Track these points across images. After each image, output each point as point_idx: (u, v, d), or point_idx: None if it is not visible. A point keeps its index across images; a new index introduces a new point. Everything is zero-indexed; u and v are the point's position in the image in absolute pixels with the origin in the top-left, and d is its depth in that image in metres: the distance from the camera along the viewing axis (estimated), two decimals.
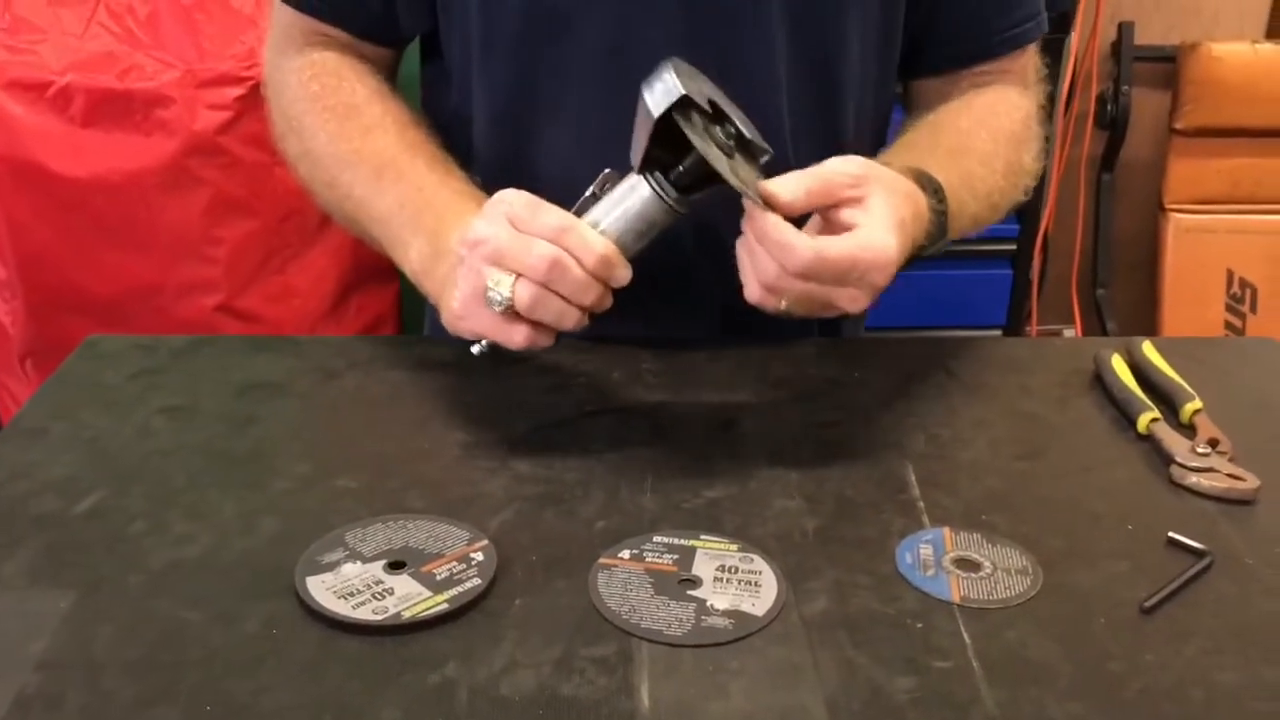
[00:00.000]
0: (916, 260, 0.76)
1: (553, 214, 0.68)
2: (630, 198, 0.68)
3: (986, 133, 0.87)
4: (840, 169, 0.69)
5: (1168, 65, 2.21)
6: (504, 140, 0.87)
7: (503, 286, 0.67)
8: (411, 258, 0.77)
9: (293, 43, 0.88)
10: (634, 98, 0.67)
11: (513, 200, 0.69)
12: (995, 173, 0.85)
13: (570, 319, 0.68)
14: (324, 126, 0.85)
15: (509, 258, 0.67)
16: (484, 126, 0.87)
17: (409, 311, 1.92)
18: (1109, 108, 2.22)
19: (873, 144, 0.92)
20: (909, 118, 0.93)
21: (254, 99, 1.63)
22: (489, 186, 0.87)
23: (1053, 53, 1.98)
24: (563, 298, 0.67)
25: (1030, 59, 0.93)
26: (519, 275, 0.67)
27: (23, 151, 1.59)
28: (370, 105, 0.85)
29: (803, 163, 0.78)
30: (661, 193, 0.67)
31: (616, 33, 0.80)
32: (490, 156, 0.88)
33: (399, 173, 0.80)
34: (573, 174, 0.71)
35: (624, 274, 0.68)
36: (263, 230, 1.70)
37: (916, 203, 0.74)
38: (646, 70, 0.67)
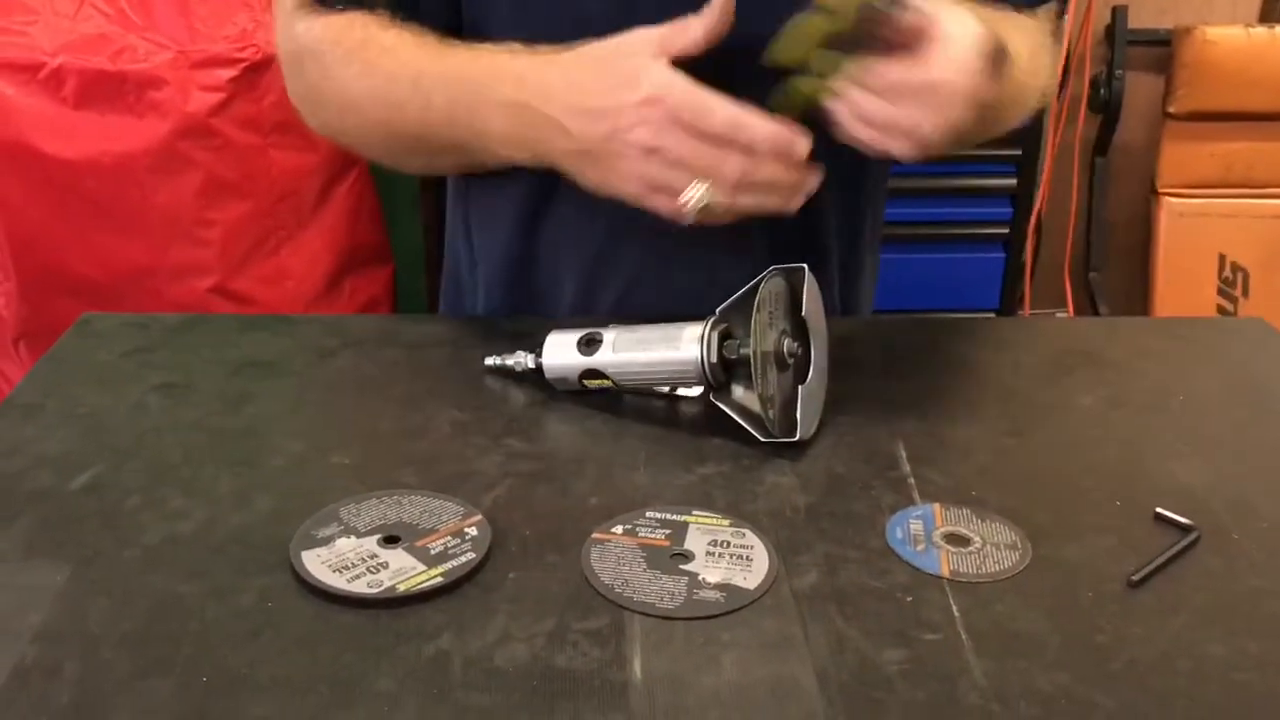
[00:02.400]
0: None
1: (719, 109, 0.68)
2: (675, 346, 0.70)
3: (1019, 34, 0.82)
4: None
5: (1161, 49, 2.21)
6: None
7: (698, 194, 0.69)
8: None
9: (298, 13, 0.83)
10: None
11: (671, 97, 0.68)
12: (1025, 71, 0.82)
13: (772, 202, 0.71)
14: (368, 60, 0.80)
15: (695, 168, 0.68)
16: None
17: (402, 293, 1.93)
18: (1102, 91, 2.22)
19: None
20: None
21: (247, 81, 1.63)
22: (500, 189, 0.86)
23: None
24: (759, 188, 0.69)
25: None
26: (711, 181, 0.68)
27: (15, 133, 1.59)
28: (407, 33, 0.80)
29: (819, 150, 0.78)
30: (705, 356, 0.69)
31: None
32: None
33: (467, 50, 0.78)
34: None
35: (804, 146, 0.69)
36: (256, 212, 1.70)
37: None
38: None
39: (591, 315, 0.86)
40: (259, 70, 1.63)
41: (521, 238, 0.87)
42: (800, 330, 0.71)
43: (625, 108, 0.69)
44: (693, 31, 0.71)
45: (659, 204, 0.71)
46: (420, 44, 0.79)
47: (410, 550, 0.59)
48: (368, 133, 0.84)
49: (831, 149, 0.73)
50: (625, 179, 0.71)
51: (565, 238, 0.86)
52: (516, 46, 0.76)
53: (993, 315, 2.15)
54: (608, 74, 0.71)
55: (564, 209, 0.85)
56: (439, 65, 0.77)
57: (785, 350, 0.69)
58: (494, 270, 0.90)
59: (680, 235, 0.74)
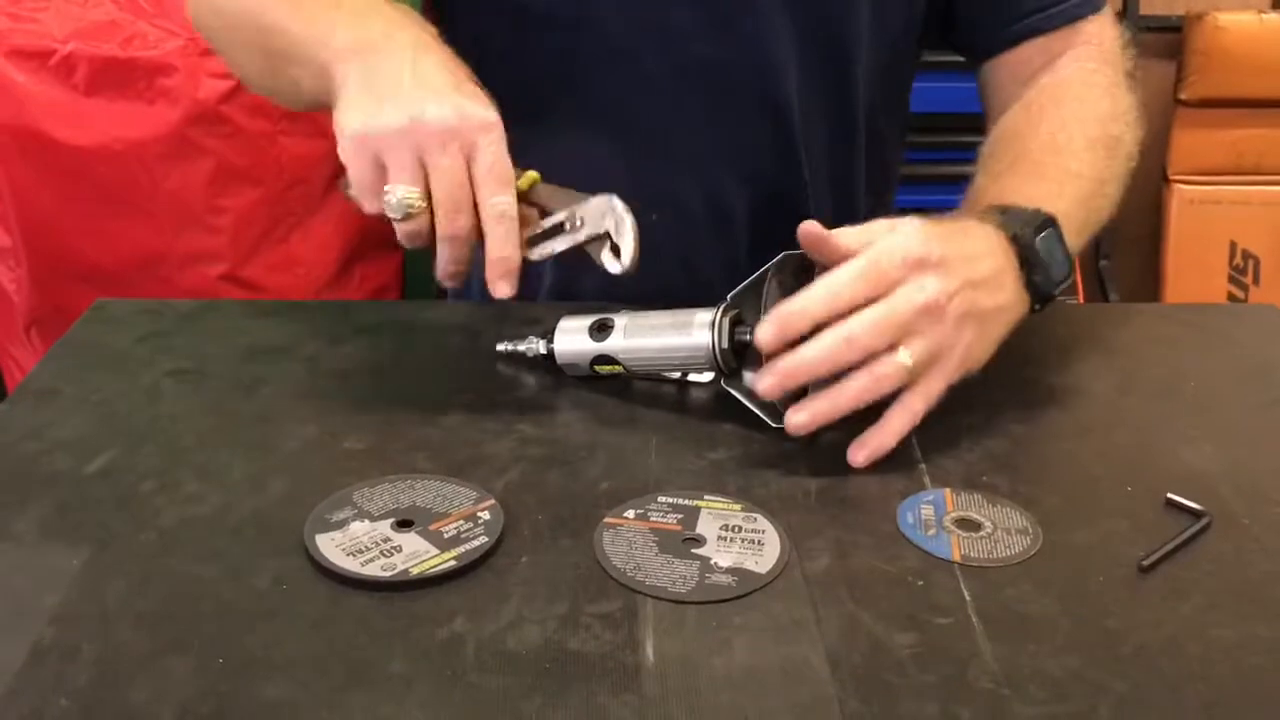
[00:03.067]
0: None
1: (503, 173, 0.65)
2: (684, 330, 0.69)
3: (1073, 125, 0.81)
4: (891, 254, 0.63)
5: (1173, 35, 2.20)
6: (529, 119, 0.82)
7: (412, 198, 0.65)
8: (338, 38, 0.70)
9: None
10: (650, 87, 0.68)
11: (487, 126, 0.65)
12: (1088, 160, 0.81)
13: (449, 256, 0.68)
14: None
15: (432, 184, 0.65)
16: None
17: (412, 280, 1.93)
18: None
19: (888, 123, 0.91)
20: (990, 123, 0.88)
21: None
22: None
23: None
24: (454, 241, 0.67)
25: (1101, 27, 0.87)
26: (428, 200, 0.65)
27: (26, 120, 1.59)
28: None
29: (812, 148, 0.76)
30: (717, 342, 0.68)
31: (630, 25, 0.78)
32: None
33: None
34: (595, 163, 0.71)
35: (514, 261, 0.67)
36: (266, 199, 1.70)
37: (995, 256, 0.68)
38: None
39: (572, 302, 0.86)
40: None
41: None
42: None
43: (453, 100, 0.65)
44: None
45: (359, 169, 0.67)
46: None
47: (423, 534, 0.60)
48: (227, 27, 0.81)
49: (821, 144, 0.73)
50: (365, 121, 0.66)
51: None
52: None
53: None
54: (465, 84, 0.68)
55: None
56: None
57: None
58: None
59: (662, 227, 0.73)
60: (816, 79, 0.84)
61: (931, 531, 0.61)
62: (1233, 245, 2.24)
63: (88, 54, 1.58)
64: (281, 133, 1.67)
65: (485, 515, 0.61)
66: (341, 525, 0.60)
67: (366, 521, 0.60)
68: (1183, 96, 2.18)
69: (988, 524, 0.62)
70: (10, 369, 1.79)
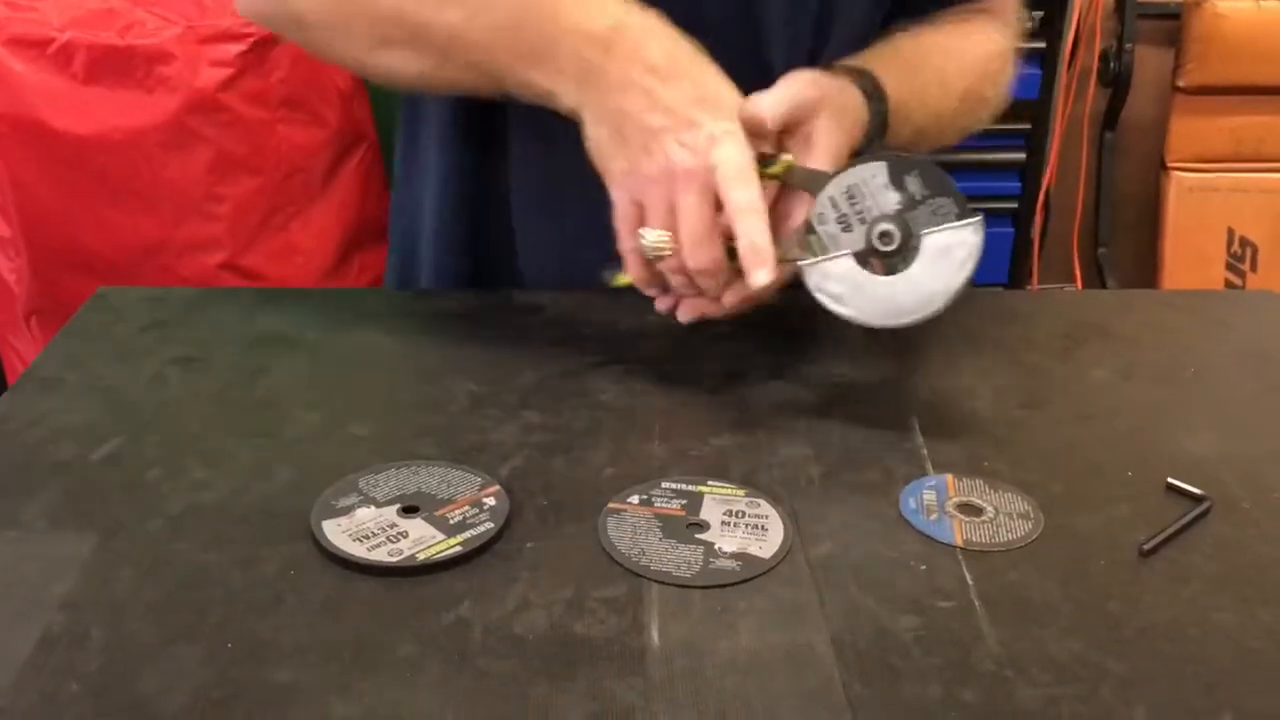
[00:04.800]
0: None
1: (752, 201, 0.65)
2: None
3: (951, 56, 0.87)
4: (804, 95, 0.70)
5: (1171, 22, 2.20)
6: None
7: (660, 242, 0.67)
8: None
9: None
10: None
11: (727, 155, 0.65)
12: (951, 94, 0.86)
13: (700, 293, 0.70)
14: None
15: (679, 227, 0.66)
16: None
17: None
18: (1112, 65, 2.21)
19: None
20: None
21: (255, 56, 1.63)
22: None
23: (1056, 9, 1.98)
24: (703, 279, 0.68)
25: (1010, 2, 0.93)
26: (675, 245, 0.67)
27: (25, 109, 1.59)
28: None
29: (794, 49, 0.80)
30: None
31: None
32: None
33: None
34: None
35: (765, 279, 0.65)
36: (265, 188, 1.70)
37: (848, 111, 0.74)
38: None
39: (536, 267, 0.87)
40: (267, 45, 1.63)
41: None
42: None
43: (699, 131, 0.66)
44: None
45: (624, 215, 0.69)
46: None
47: (429, 520, 0.60)
48: (362, 19, 0.75)
49: None
50: (627, 172, 0.68)
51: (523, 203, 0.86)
52: None
53: (1001, 289, 2.15)
54: (707, 90, 0.68)
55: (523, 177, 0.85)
56: None
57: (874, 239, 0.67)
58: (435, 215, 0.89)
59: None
60: (802, 49, 0.85)
61: (934, 516, 0.62)
62: (1230, 232, 2.24)
63: (86, 42, 1.58)
64: (280, 121, 1.67)
65: (490, 501, 0.61)
66: (348, 511, 0.60)
67: (373, 507, 0.61)
68: (1181, 84, 2.18)
69: (990, 509, 0.62)
70: (11, 359, 1.79)
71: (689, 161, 0.66)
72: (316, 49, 0.81)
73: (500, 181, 0.86)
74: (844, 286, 0.68)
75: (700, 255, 0.67)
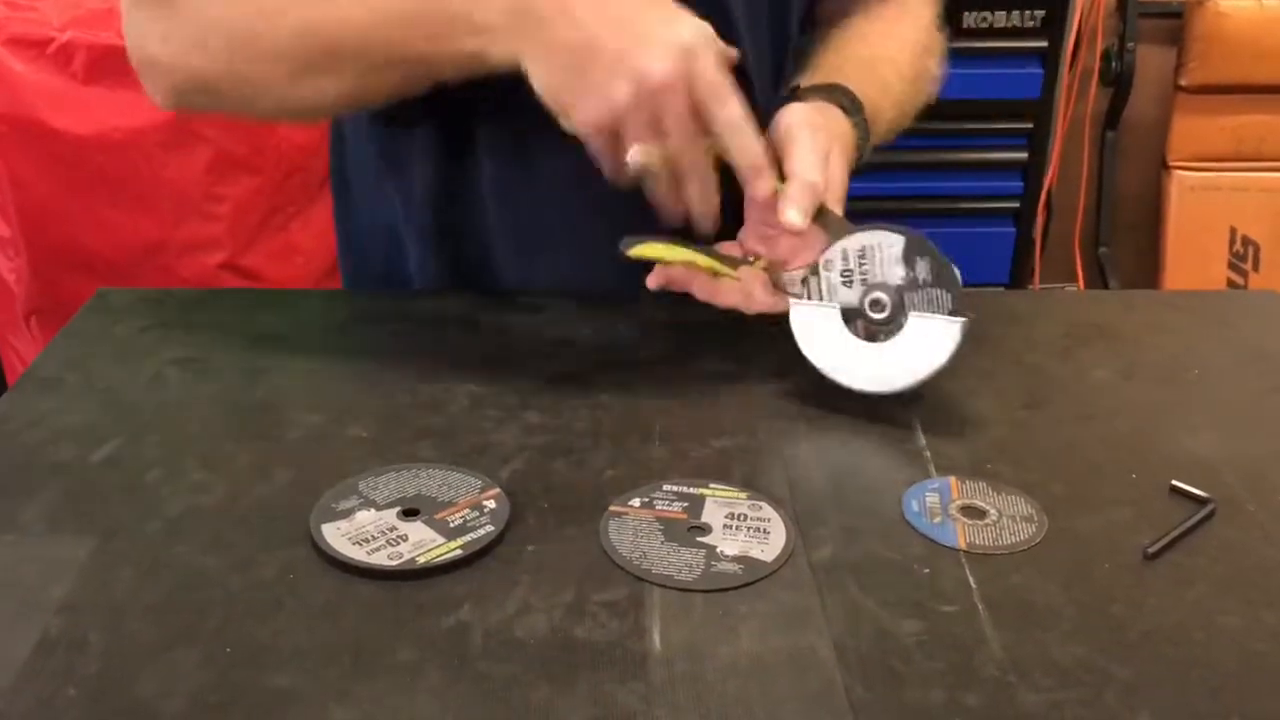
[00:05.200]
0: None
1: (733, 105, 0.65)
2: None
3: (895, 41, 0.88)
4: (819, 142, 0.72)
5: (1173, 21, 2.20)
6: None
7: (650, 157, 0.66)
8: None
9: None
10: None
11: (703, 64, 0.64)
12: (905, 79, 0.87)
13: (696, 195, 0.68)
14: None
15: (668, 138, 0.65)
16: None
17: None
18: (1114, 64, 2.21)
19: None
20: (814, 34, 0.92)
21: None
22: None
23: (1058, 9, 1.98)
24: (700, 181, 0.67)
25: None
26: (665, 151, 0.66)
27: (24, 109, 1.59)
28: None
29: (758, 47, 0.81)
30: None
31: None
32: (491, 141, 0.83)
33: None
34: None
35: (767, 189, 0.67)
36: (265, 188, 1.70)
37: (845, 138, 0.76)
38: None
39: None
40: None
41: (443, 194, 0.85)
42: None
43: (657, 38, 0.64)
44: (788, 221, 0.69)
45: (600, 144, 0.66)
46: None
47: (429, 523, 0.60)
48: (274, 56, 0.71)
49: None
50: (602, 101, 0.64)
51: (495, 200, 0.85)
52: None
53: (1003, 290, 2.14)
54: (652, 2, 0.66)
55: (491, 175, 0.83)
56: None
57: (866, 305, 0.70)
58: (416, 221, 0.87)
59: (598, 198, 0.72)
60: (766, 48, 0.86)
61: (937, 519, 0.61)
62: (1233, 231, 2.24)
63: (86, 42, 1.58)
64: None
65: (491, 504, 0.61)
66: (347, 514, 0.60)
67: (372, 510, 0.60)
68: (1183, 83, 2.18)
69: (993, 511, 0.62)
70: (10, 359, 1.79)
71: (665, 76, 0.63)
72: (235, 107, 0.79)
73: (475, 190, 0.85)
74: (820, 333, 0.71)
75: (691, 155, 0.66)
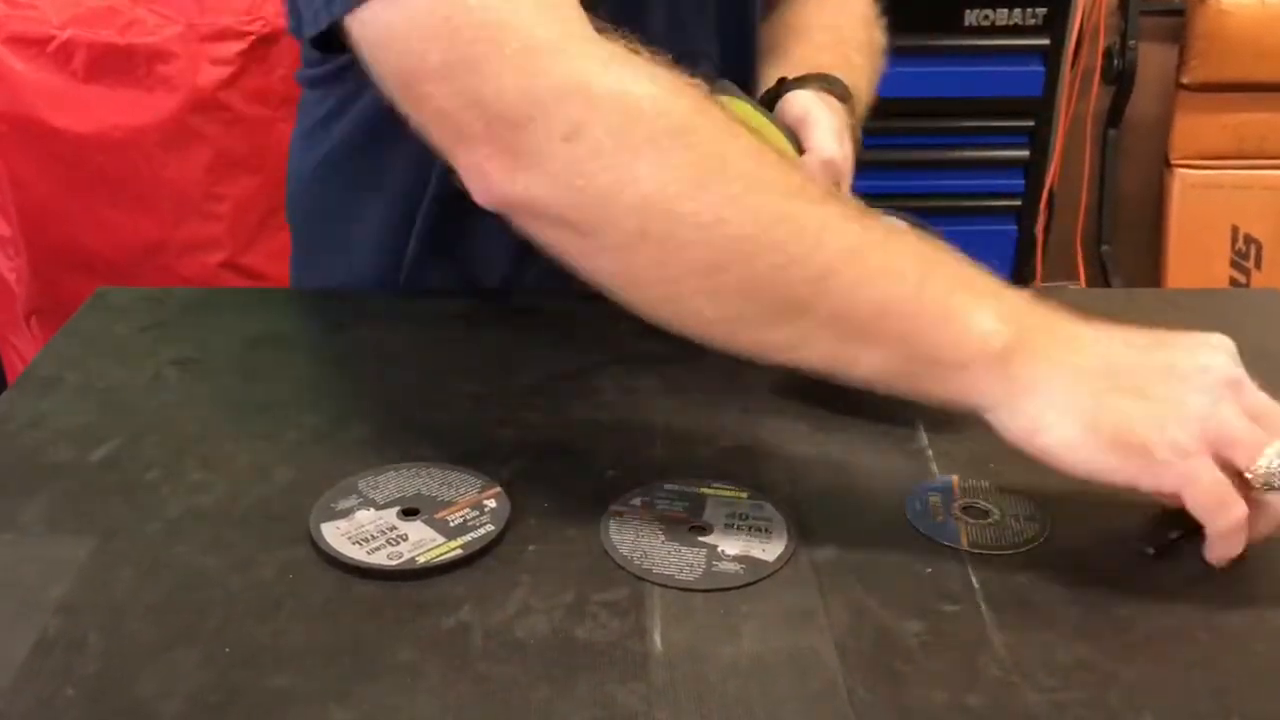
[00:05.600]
0: None
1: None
2: None
3: (848, 19, 0.90)
4: (836, 123, 0.74)
5: (1175, 19, 2.19)
6: None
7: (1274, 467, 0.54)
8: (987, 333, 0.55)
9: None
10: None
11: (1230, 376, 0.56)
12: (866, 56, 0.89)
13: None
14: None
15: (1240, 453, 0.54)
16: None
17: None
18: (1115, 62, 2.20)
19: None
20: (768, 19, 0.92)
21: (256, 54, 1.62)
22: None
23: (1060, 7, 1.97)
24: None
25: None
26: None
27: (24, 107, 1.59)
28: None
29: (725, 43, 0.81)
30: None
31: None
32: None
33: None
34: None
35: None
36: (265, 186, 1.69)
37: (846, 122, 0.78)
38: None
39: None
40: (268, 43, 1.63)
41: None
42: None
43: (1191, 369, 0.56)
44: None
45: (1200, 466, 0.54)
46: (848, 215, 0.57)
47: (429, 522, 0.59)
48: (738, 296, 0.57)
49: None
50: (1185, 412, 0.54)
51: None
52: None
53: None
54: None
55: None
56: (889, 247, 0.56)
57: None
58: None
59: None
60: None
61: (939, 519, 0.61)
62: (1235, 230, 2.23)
63: (86, 40, 1.58)
64: (281, 119, 1.66)
65: (491, 504, 0.61)
66: (347, 514, 0.60)
67: (372, 510, 0.60)
68: (1185, 80, 2.17)
69: (996, 511, 0.62)
70: (11, 358, 1.78)
71: (1215, 391, 0.55)
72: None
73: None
74: None
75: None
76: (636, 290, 0.58)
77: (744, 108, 0.72)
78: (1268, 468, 0.55)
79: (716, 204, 0.54)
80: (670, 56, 0.58)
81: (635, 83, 0.55)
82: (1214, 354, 0.57)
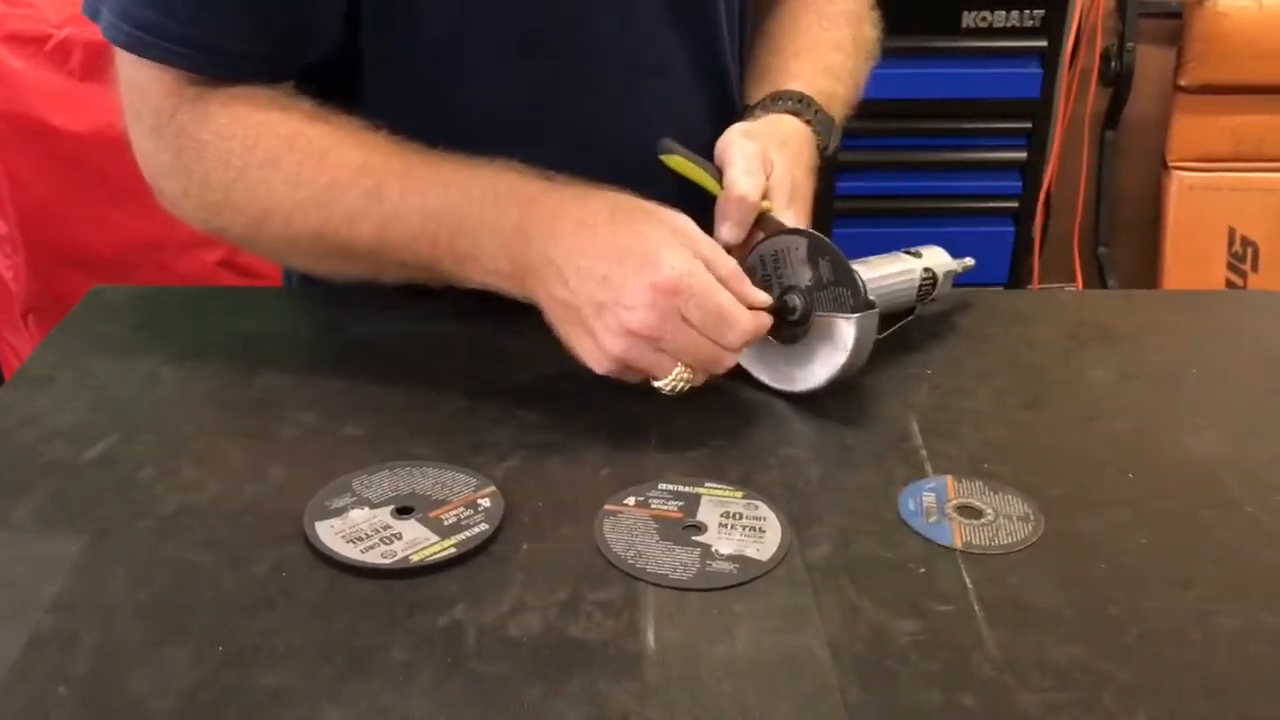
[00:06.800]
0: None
1: (727, 304, 0.65)
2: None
3: (830, 21, 0.90)
4: (755, 152, 0.74)
5: (1173, 21, 2.20)
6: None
7: (679, 382, 0.66)
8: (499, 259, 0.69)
9: (182, 98, 0.75)
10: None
11: (688, 292, 0.64)
12: (848, 54, 0.89)
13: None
14: (299, 164, 0.71)
15: (681, 357, 0.66)
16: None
17: None
18: (1113, 64, 2.21)
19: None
20: (754, 25, 0.93)
21: None
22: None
23: (1057, 8, 1.97)
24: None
25: None
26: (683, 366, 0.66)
27: (22, 106, 1.59)
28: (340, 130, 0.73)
29: (683, 76, 0.83)
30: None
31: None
32: None
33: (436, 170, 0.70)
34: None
35: (764, 329, 0.68)
36: None
37: (796, 139, 0.79)
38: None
39: None
40: None
41: None
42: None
43: (634, 286, 0.64)
44: (722, 237, 0.71)
45: (626, 378, 0.68)
46: (365, 143, 0.71)
47: (423, 521, 0.59)
48: (289, 244, 0.74)
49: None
50: (601, 351, 0.66)
51: None
52: (504, 163, 0.70)
53: (1002, 289, 2.14)
54: (626, 241, 0.65)
55: None
56: (407, 175, 0.70)
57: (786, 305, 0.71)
58: None
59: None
60: (687, 32, 0.85)
61: (933, 519, 0.61)
62: (1231, 232, 2.23)
63: (83, 39, 1.58)
64: None
65: (485, 502, 0.61)
66: (341, 512, 0.60)
67: (366, 509, 0.60)
68: (1182, 83, 2.17)
69: (989, 511, 0.62)
70: (7, 356, 1.78)
71: (646, 324, 0.64)
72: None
73: None
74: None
75: (716, 369, 0.67)
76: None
77: (681, 162, 0.74)
78: None
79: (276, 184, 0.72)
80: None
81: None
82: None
